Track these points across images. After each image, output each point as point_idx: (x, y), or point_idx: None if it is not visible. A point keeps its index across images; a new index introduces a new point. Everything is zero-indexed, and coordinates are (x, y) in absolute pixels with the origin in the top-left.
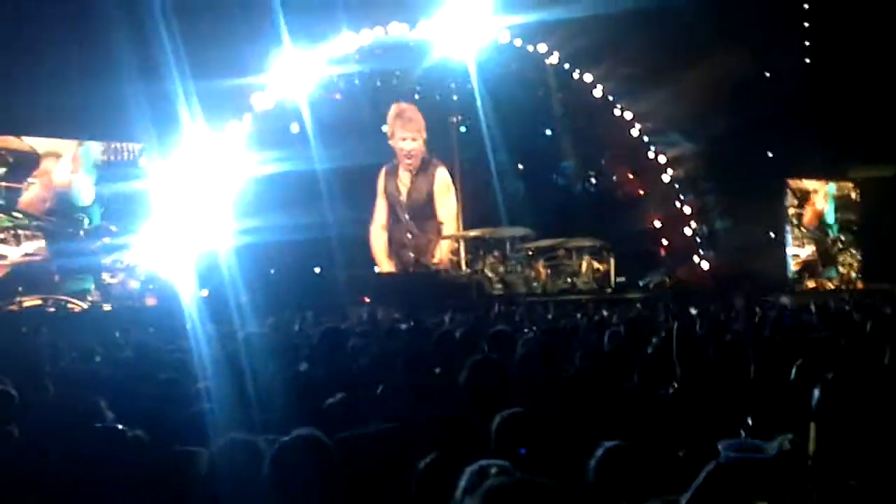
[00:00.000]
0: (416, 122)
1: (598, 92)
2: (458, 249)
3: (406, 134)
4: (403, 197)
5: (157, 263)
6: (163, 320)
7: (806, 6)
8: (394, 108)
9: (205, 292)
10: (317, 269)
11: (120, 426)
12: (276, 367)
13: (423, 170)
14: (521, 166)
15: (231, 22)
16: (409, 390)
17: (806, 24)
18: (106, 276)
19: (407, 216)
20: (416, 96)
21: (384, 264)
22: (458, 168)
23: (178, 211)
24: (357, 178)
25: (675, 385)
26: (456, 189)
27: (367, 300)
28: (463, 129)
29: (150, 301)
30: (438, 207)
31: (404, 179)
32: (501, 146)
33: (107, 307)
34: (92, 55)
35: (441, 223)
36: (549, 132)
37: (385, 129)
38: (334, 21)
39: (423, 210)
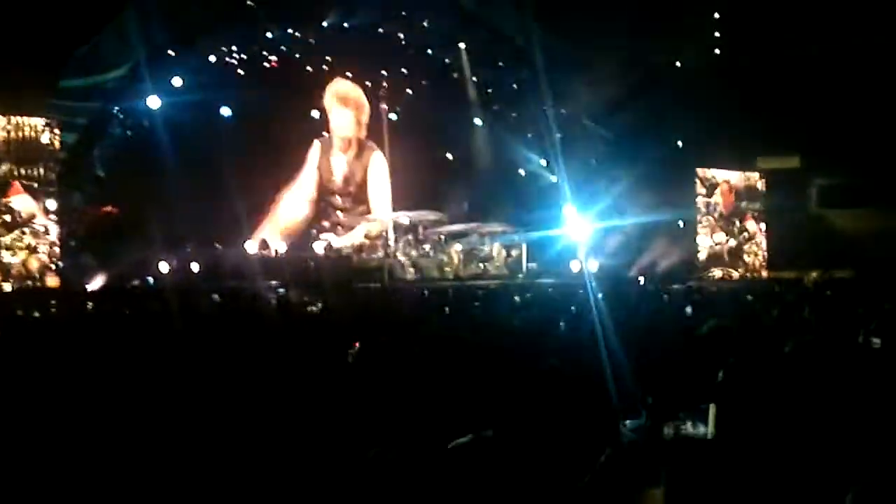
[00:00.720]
0: (356, 102)
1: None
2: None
3: (344, 113)
4: (337, 177)
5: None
6: None
7: None
8: (332, 85)
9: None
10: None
11: None
12: None
13: (360, 152)
14: (449, 155)
15: None
16: None
17: (716, 15)
18: (5, 255)
19: (338, 198)
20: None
21: (277, 238)
22: (388, 153)
23: None
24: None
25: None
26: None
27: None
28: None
29: (52, 281)
30: (371, 192)
31: (339, 159)
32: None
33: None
34: None
35: (371, 209)
36: (477, 121)
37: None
38: None
39: (356, 193)
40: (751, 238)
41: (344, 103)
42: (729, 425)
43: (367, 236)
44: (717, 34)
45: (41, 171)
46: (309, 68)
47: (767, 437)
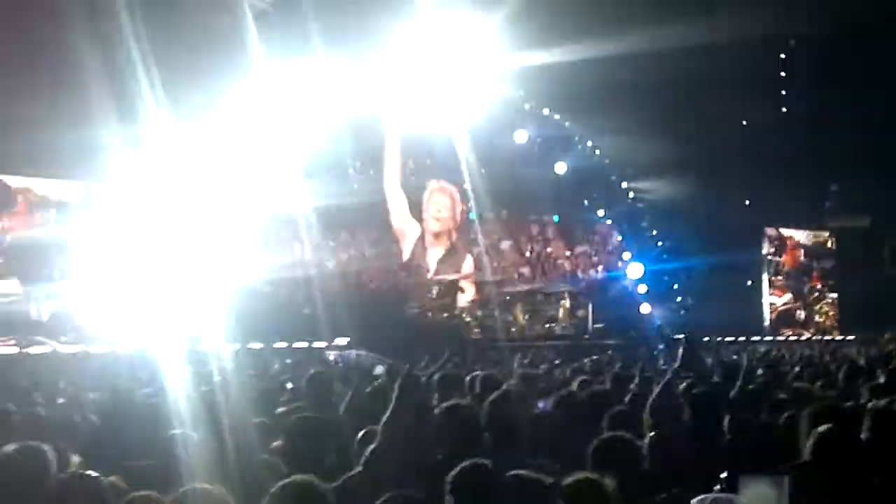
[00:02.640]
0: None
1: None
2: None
3: (439, 205)
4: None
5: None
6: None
7: (783, 56)
8: (433, 183)
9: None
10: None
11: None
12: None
13: (452, 250)
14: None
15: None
16: None
17: (783, 74)
18: (81, 318)
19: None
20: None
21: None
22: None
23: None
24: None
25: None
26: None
27: None
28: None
29: (125, 345)
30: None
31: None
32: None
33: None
34: (70, 96)
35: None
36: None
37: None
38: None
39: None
40: (821, 298)
41: (442, 192)
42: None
43: (438, 295)
44: (783, 92)
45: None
46: None
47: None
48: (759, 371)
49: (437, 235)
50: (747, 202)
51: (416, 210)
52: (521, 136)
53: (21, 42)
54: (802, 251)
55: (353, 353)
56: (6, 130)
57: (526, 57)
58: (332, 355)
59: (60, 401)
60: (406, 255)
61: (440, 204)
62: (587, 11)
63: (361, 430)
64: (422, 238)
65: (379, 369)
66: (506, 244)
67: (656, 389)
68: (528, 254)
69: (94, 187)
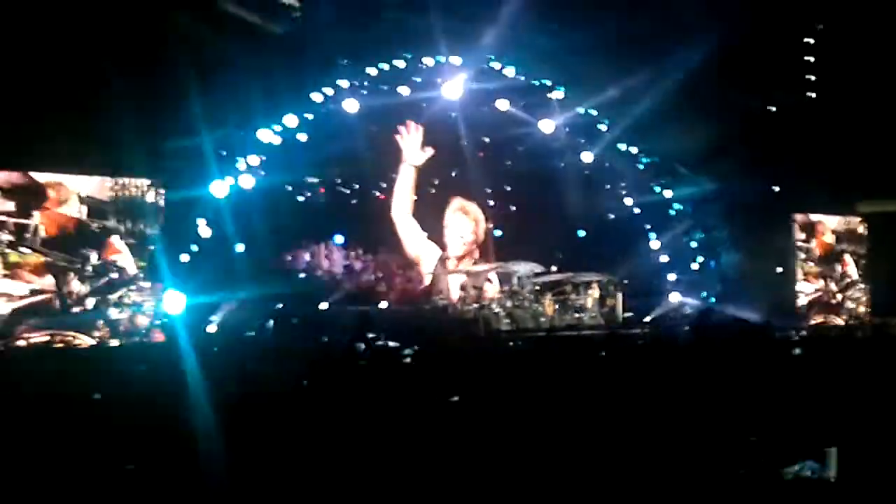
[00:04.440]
0: (473, 215)
1: (602, 126)
2: (467, 285)
3: (462, 227)
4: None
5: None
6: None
7: (811, 40)
8: (455, 202)
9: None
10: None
11: None
12: None
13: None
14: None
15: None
16: None
17: (811, 59)
18: (114, 312)
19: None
20: None
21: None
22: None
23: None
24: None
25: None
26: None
27: None
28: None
29: (158, 336)
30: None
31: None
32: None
33: (114, 342)
34: (104, 89)
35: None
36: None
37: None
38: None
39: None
40: (852, 284)
41: (464, 213)
42: (852, 468)
43: (462, 288)
44: (811, 77)
45: (145, 229)
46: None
47: (891, 480)
48: None
49: (460, 258)
50: (776, 188)
51: (436, 226)
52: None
53: None
54: (833, 237)
55: None
56: (36, 127)
57: None
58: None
59: None
60: (427, 279)
61: (463, 228)
62: None
63: None
64: (443, 260)
65: None
66: None
67: None
68: None
69: (126, 183)
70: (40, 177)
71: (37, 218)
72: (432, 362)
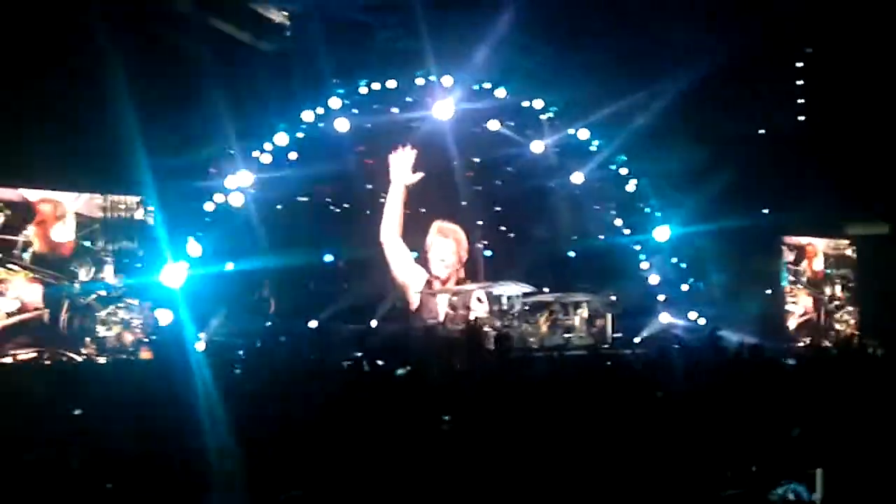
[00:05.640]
0: (455, 235)
1: (592, 147)
2: (456, 305)
3: (444, 249)
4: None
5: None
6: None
7: (801, 64)
8: (436, 224)
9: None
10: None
11: None
12: None
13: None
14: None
15: None
16: None
17: (801, 83)
18: (101, 329)
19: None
20: None
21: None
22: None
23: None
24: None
25: None
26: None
27: None
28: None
29: (146, 354)
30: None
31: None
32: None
33: (101, 360)
34: (93, 108)
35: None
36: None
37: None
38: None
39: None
40: (841, 306)
41: (444, 235)
42: (838, 490)
43: (451, 306)
44: (801, 100)
45: (134, 247)
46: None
47: (876, 501)
48: None
49: (444, 282)
50: (765, 211)
51: (422, 249)
52: (538, 147)
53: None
54: (822, 259)
55: None
56: (27, 144)
57: None
58: None
59: None
60: (414, 304)
61: (444, 251)
62: None
63: None
64: (429, 283)
65: None
66: None
67: None
68: None
69: (116, 200)
70: (29, 193)
71: (27, 234)
72: (424, 382)
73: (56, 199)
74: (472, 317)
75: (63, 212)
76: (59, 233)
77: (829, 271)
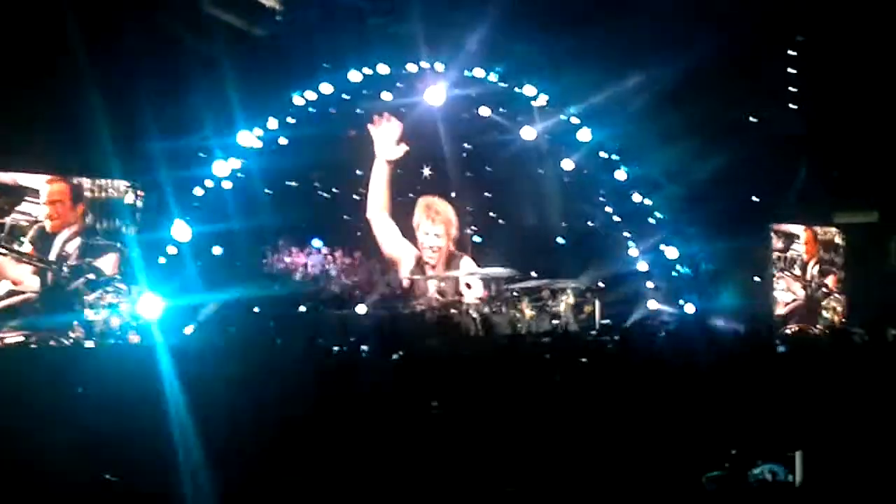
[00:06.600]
0: (444, 216)
1: (583, 134)
2: (445, 290)
3: (432, 230)
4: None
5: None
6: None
7: (793, 53)
8: (422, 201)
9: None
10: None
11: None
12: None
13: (448, 264)
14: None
15: None
16: None
17: (792, 71)
18: (89, 313)
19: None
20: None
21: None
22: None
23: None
24: None
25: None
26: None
27: None
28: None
29: (134, 338)
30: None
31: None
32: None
33: (89, 344)
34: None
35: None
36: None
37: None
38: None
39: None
40: (829, 293)
41: (434, 213)
42: (817, 472)
43: (439, 292)
44: (792, 88)
45: (123, 231)
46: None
47: (856, 484)
48: None
49: (434, 262)
50: (754, 198)
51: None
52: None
53: None
54: (810, 247)
55: None
56: (13, 127)
57: None
58: None
59: None
60: (406, 282)
61: (433, 230)
62: None
63: None
64: (418, 261)
65: None
66: None
67: None
68: None
69: (105, 184)
70: (17, 177)
71: (15, 218)
72: (413, 367)
73: (41, 183)
74: (462, 301)
75: (53, 196)
76: (45, 216)
77: (817, 259)
